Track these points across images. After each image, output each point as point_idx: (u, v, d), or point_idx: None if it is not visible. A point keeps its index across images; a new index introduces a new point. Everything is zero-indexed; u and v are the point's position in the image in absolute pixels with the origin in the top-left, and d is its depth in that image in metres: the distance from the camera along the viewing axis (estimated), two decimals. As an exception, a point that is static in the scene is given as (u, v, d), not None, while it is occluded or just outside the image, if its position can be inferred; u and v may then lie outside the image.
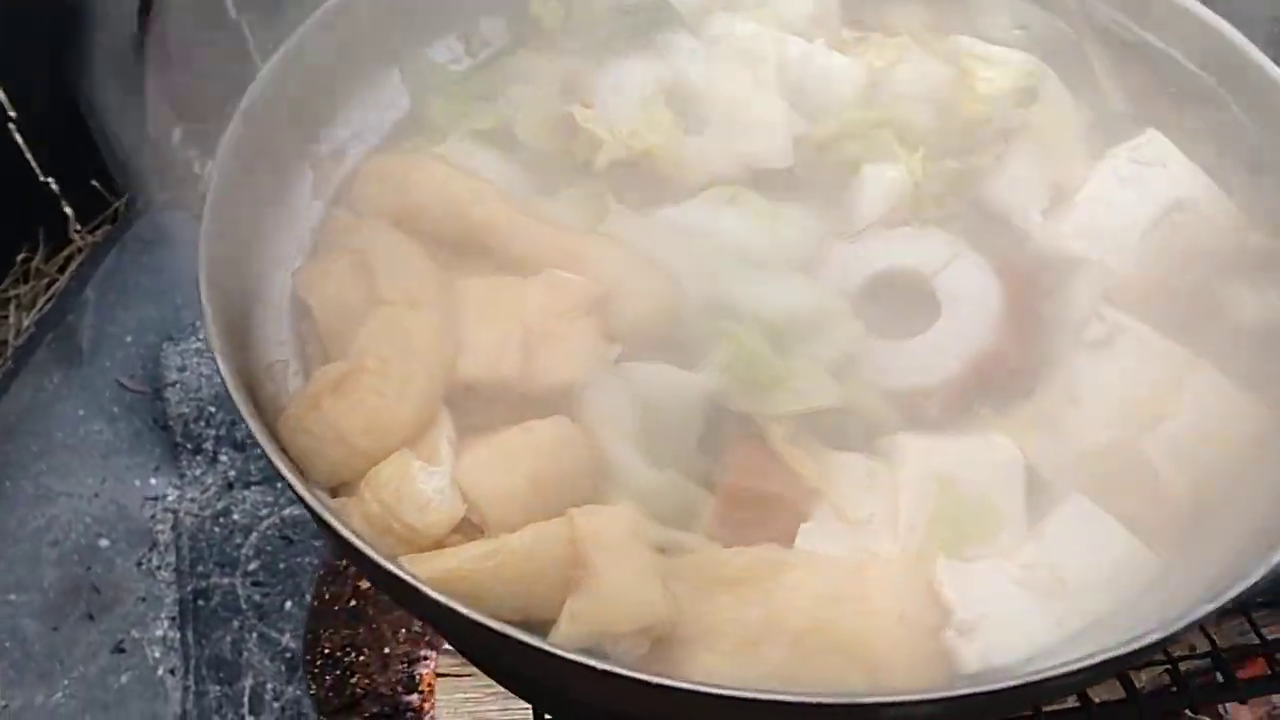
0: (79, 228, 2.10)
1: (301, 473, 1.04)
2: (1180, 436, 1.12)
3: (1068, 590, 1.05)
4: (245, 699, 1.53)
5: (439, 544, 1.02)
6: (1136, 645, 0.92)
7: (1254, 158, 1.28)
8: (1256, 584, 0.96)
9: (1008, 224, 1.27)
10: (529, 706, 1.40)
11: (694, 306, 1.16)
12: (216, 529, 1.68)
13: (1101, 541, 1.07)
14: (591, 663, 0.90)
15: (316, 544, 1.69)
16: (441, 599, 0.91)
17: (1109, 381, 1.15)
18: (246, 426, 1.01)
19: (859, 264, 1.21)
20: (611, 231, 1.20)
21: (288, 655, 1.58)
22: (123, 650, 1.55)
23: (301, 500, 0.98)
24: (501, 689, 1.46)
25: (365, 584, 1.67)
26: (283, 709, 1.54)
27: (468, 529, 1.04)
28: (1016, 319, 1.18)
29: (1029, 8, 1.40)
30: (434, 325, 1.12)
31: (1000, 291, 1.19)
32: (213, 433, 1.76)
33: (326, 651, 1.62)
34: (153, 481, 1.70)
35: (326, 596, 1.67)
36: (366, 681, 1.59)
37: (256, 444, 1.00)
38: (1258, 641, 1.47)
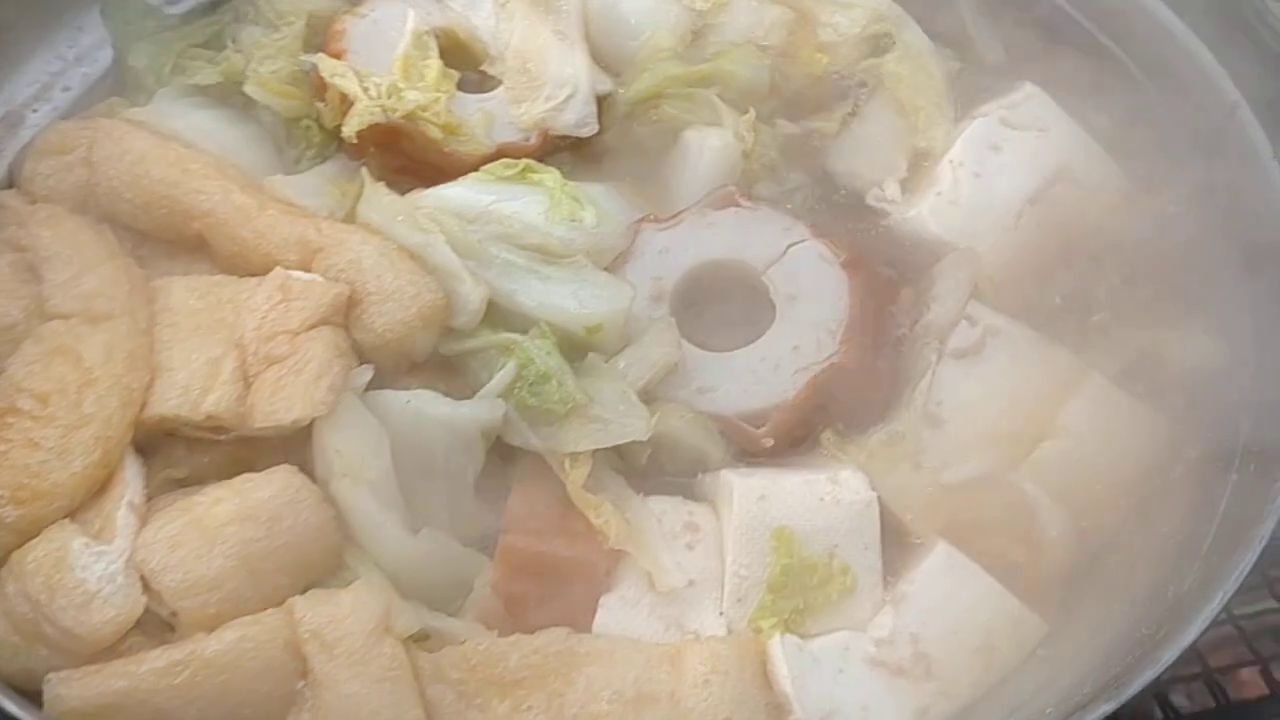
0: None
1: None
2: (1063, 461, 0.95)
3: (933, 668, 0.87)
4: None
5: (112, 650, 0.79)
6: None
7: (1145, 115, 1.10)
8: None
9: (857, 201, 1.08)
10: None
11: (469, 314, 0.94)
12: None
13: (972, 601, 0.90)
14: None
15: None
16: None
17: (980, 397, 0.97)
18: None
19: (677, 255, 1.01)
20: (364, 217, 0.97)
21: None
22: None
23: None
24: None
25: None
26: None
27: (154, 626, 0.81)
28: (867, 322, 0.98)
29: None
30: (121, 346, 0.88)
31: (847, 288, 0.99)
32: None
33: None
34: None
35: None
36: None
37: None
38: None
